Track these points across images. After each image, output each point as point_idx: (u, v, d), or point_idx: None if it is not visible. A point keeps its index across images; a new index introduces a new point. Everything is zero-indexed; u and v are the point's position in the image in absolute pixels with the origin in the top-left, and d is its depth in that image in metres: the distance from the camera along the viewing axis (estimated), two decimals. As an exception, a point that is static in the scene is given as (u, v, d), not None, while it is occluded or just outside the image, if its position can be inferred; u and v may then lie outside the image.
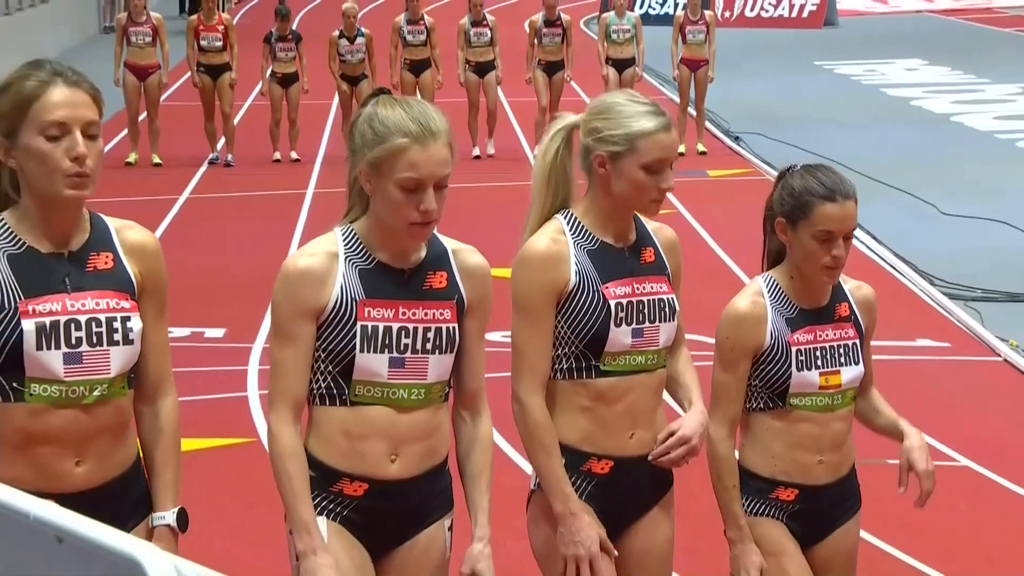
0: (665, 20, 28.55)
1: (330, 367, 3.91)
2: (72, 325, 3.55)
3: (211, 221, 14.96)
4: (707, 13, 17.38)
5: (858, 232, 13.56)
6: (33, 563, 2.60)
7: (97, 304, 3.59)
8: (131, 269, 3.66)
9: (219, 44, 16.87)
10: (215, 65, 16.95)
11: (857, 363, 4.59)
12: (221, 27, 16.88)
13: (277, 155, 17.15)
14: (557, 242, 4.27)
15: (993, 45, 28.30)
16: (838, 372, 4.53)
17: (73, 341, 3.55)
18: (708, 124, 18.85)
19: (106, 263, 3.63)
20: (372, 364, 3.88)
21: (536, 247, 4.24)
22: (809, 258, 4.43)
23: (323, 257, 3.86)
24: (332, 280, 3.83)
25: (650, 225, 4.51)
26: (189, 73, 17.76)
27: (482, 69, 17.21)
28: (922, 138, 19.10)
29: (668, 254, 4.52)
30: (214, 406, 9.27)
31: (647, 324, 4.36)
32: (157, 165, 17.11)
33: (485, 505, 4.06)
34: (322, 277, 3.83)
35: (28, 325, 3.50)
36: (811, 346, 4.52)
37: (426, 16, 17.47)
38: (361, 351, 3.86)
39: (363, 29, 16.70)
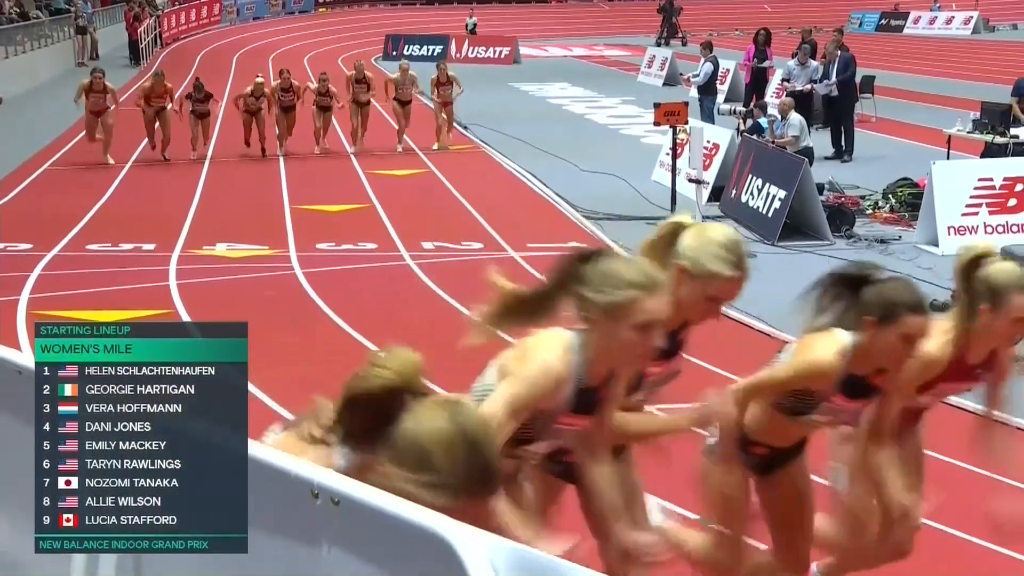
0: (420, 58, 28.32)
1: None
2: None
3: (149, 183, 14.73)
4: (451, 75, 16.69)
5: (532, 179, 14.53)
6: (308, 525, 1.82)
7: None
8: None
9: (162, 103, 15.87)
10: (159, 108, 15.78)
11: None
12: (166, 94, 15.92)
13: (193, 155, 16.08)
14: None
15: (605, 76, 28.78)
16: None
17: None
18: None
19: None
20: (539, 446, 3.04)
21: None
22: (893, 353, 3.39)
23: (566, 372, 2.85)
24: (563, 390, 2.89)
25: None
26: (135, 105, 16.17)
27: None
28: (568, 128, 19.18)
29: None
30: (146, 291, 9.04)
31: None
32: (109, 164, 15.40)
33: None
34: (563, 387, 2.87)
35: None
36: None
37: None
38: (540, 439, 3.01)
39: (266, 91, 16.09)
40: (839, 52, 16.13)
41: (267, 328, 8.26)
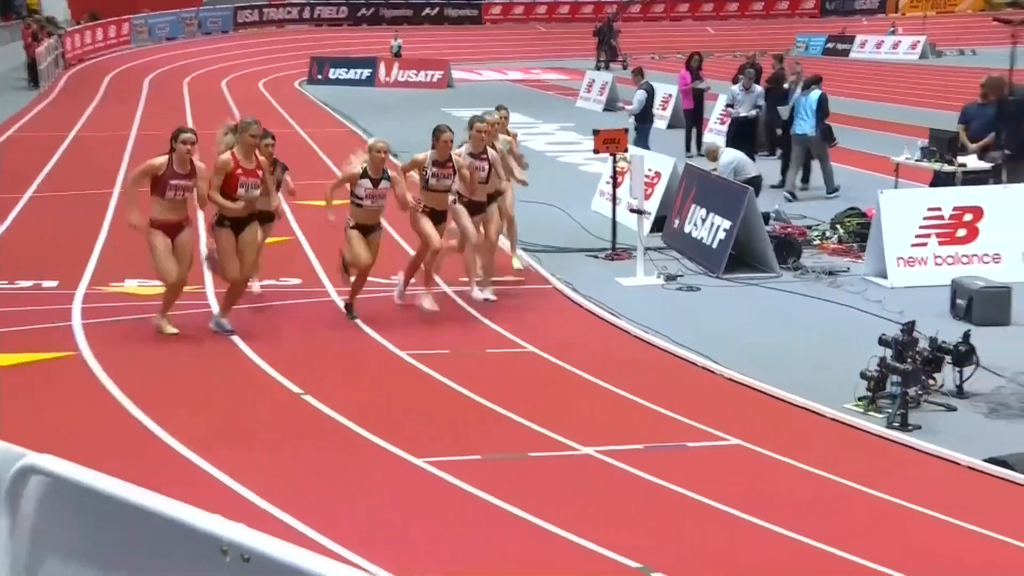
0: (347, 82, 27.89)
1: None
2: None
3: (50, 213, 14.41)
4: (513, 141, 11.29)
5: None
6: None
7: None
8: None
9: (257, 192, 8.78)
10: (238, 219, 8.81)
11: None
12: (260, 171, 8.82)
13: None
14: None
15: (542, 101, 29.08)
16: None
17: None
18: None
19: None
20: None
21: None
22: None
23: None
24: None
25: None
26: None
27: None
28: None
29: None
30: (47, 332, 8.85)
31: None
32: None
33: None
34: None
35: None
36: None
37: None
38: None
39: (389, 171, 9.28)
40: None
41: (181, 370, 8.15)
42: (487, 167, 10.02)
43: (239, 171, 8.67)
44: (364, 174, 9.04)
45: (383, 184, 9.09)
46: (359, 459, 6.48)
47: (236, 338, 8.84)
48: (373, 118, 24.01)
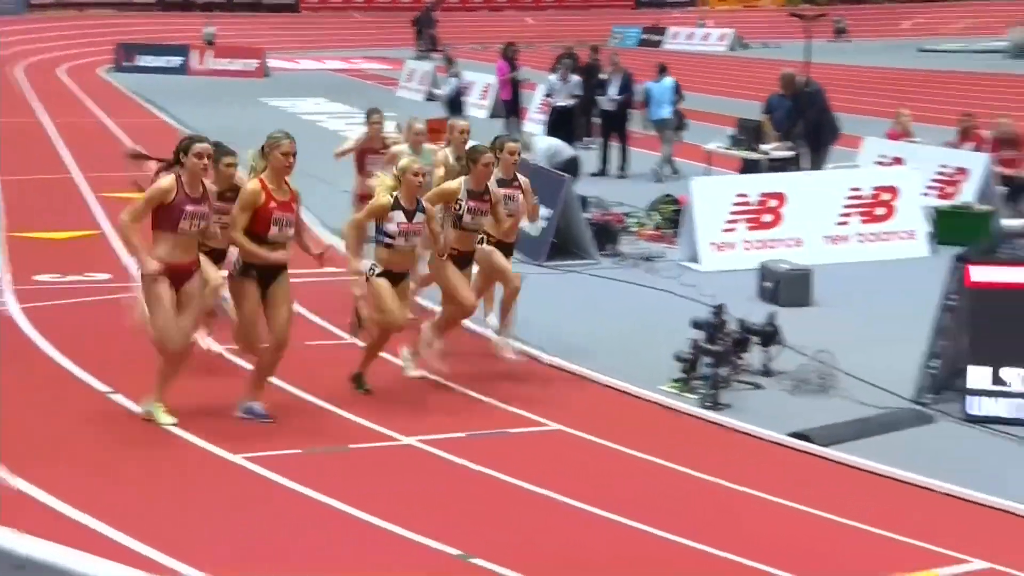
0: (157, 70, 26.97)
1: None
2: None
3: None
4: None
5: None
6: None
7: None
8: None
9: (291, 232, 6.81)
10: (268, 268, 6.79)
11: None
12: (295, 204, 6.83)
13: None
14: None
15: (363, 91, 28.83)
16: None
17: None
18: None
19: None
20: None
21: None
22: None
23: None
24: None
25: None
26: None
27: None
28: (324, 146, 18.40)
29: None
30: None
31: None
32: None
33: None
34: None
35: None
36: None
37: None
38: None
39: (424, 201, 7.33)
40: (621, 73, 16.59)
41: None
42: (520, 196, 7.93)
43: (272, 204, 6.58)
44: (396, 204, 7.04)
45: (419, 217, 7.11)
46: (173, 458, 6.30)
47: (36, 336, 8.43)
48: (186, 107, 23.30)
